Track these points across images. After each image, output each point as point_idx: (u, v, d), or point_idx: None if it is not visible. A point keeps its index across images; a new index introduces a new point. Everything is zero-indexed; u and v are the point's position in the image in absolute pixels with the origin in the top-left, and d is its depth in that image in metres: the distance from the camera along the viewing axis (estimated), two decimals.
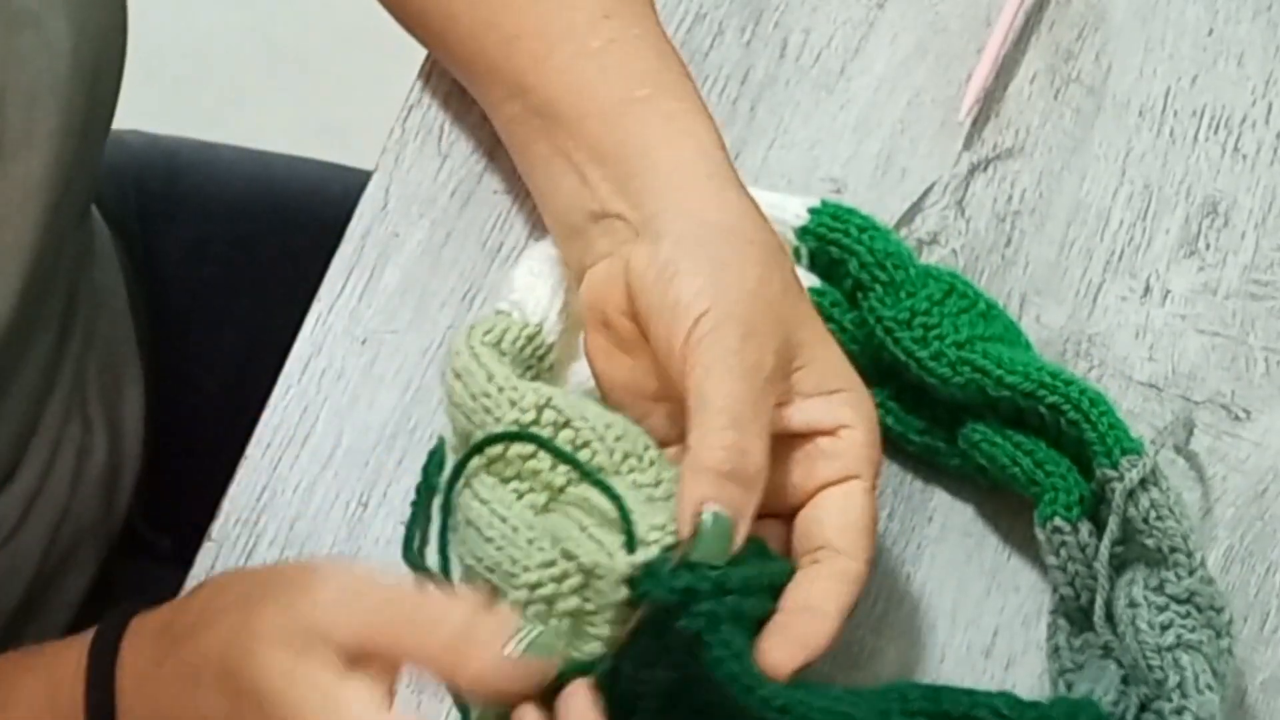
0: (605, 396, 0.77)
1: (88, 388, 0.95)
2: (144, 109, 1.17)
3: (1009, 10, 0.90)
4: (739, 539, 0.70)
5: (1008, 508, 0.80)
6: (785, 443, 0.74)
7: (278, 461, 0.81)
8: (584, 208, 0.78)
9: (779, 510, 0.74)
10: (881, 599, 0.79)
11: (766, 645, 0.69)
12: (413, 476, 0.81)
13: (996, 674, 0.78)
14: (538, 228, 0.86)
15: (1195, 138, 0.89)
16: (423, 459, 0.81)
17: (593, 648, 0.69)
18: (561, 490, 0.72)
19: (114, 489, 0.99)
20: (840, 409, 0.74)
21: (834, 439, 0.73)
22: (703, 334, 0.71)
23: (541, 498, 0.72)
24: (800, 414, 0.73)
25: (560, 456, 0.72)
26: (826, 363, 0.74)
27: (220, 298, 1.07)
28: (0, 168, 0.76)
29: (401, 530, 0.80)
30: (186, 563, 0.80)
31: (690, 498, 0.70)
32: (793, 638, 0.70)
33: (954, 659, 0.78)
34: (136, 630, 0.73)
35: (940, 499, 0.81)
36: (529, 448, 0.72)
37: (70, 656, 0.74)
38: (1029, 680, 0.78)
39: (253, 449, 0.82)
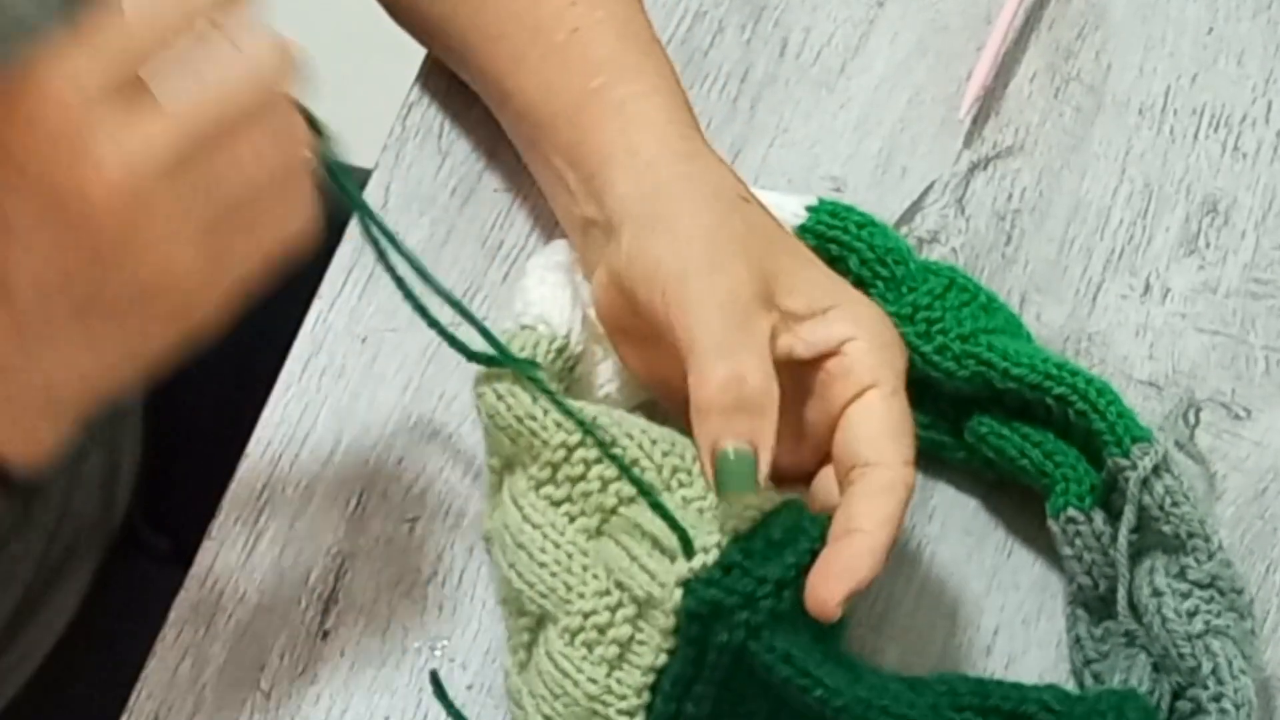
0: (664, 404, 0.77)
1: None
2: None
3: (1009, 8, 0.90)
4: (763, 468, 0.68)
5: (1009, 506, 0.80)
6: (801, 383, 0.72)
7: (278, 460, 0.81)
8: (575, 215, 0.78)
9: (820, 456, 0.73)
10: (881, 598, 0.79)
11: (811, 581, 0.68)
12: (413, 475, 0.81)
13: (997, 672, 0.78)
14: (538, 227, 0.86)
15: (1195, 136, 0.89)
16: (423, 458, 0.81)
17: (634, 677, 0.70)
18: (613, 512, 0.72)
19: (112, 489, 0.98)
20: (836, 325, 0.72)
21: (840, 357, 0.72)
22: (675, 292, 0.70)
23: (594, 521, 0.72)
24: (799, 341, 0.72)
25: (619, 466, 0.71)
26: (812, 283, 0.73)
27: None
28: None
29: (402, 529, 0.80)
30: (186, 562, 0.80)
31: (704, 443, 0.68)
32: (835, 569, 0.68)
33: (954, 658, 0.78)
34: None
35: (941, 498, 0.81)
36: (579, 469, 0.72)
37: None
38: (1029, 679, 0.77)
39: (253, 447, 0.82)
